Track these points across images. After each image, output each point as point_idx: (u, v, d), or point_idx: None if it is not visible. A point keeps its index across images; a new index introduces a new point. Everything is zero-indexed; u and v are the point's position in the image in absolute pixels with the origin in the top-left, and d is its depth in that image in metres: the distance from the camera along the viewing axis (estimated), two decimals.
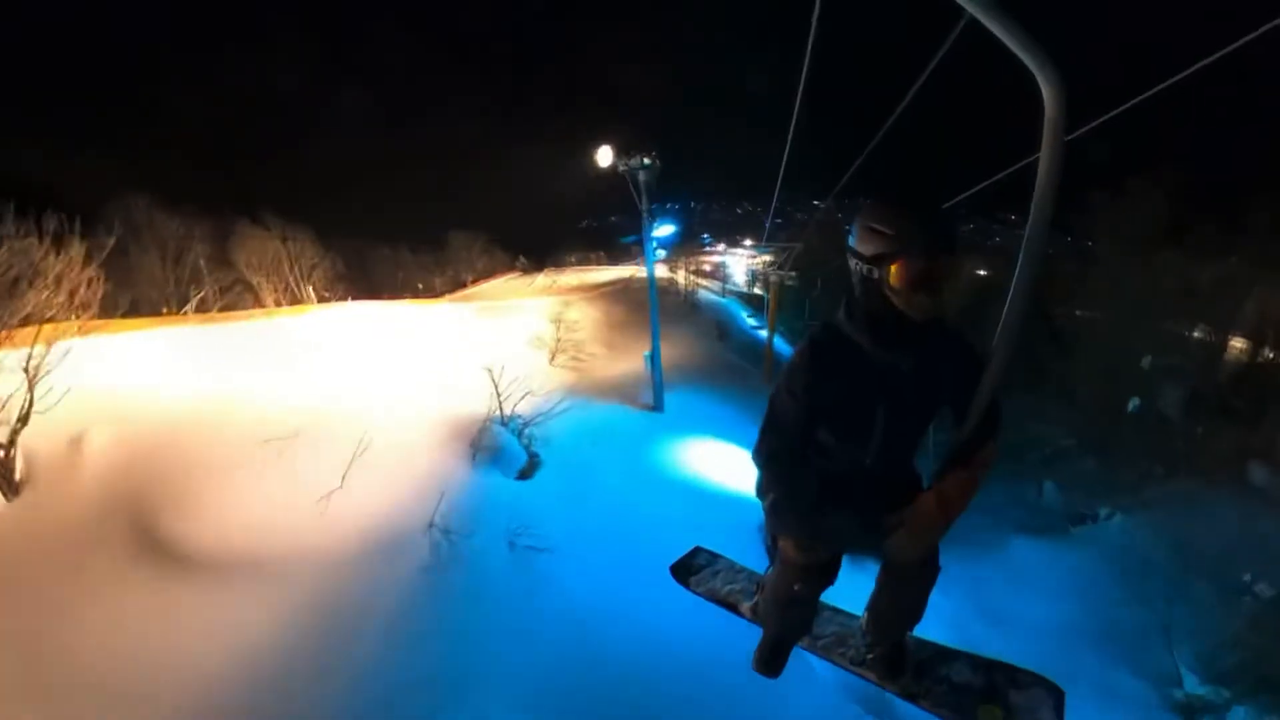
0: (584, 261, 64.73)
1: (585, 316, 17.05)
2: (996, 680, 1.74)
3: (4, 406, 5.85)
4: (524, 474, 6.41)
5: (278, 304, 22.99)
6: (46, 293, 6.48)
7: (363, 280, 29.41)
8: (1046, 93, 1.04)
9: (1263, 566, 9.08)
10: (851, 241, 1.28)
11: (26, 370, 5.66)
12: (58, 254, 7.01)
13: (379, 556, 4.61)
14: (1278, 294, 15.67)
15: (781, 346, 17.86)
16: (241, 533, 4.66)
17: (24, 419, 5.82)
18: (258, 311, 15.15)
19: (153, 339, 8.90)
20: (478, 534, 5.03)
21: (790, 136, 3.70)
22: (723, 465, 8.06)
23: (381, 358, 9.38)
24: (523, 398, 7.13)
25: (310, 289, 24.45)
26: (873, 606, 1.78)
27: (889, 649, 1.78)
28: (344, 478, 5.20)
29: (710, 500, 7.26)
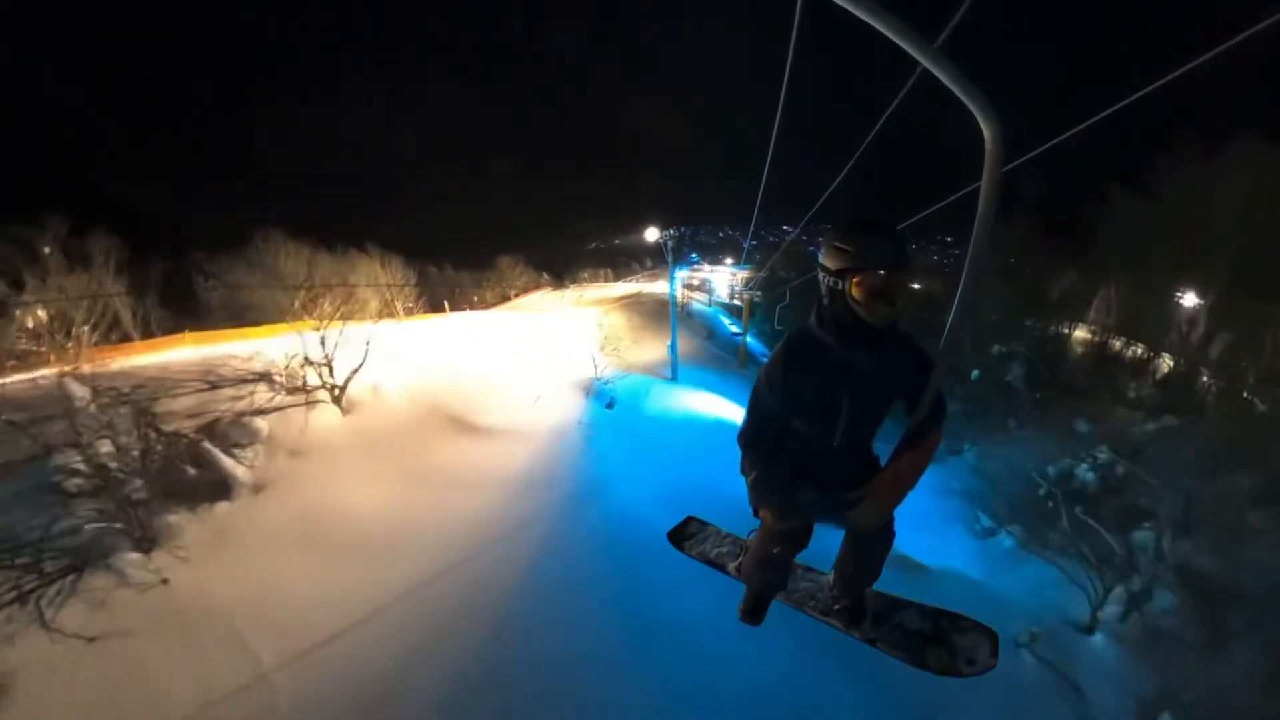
0: (594, 278, 67.64)
1: (615, 322, 20.92)
2: (942, 626, 1.75)
3: (332, 366, 9.60)
4: (609, 406, 10.26)
5: (380, 315, 26.66)
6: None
7: (427, 295, 32.90)
8: (987, 131, 1.07)
9: (1045, 466, 13.06)
10: (820, 258, 1.33)
11: (367, 343, 9.49)
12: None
13: (559, 435, 8.44)
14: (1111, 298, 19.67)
15: (752, 344, 21.73)
16: (495, 421, 8.49)
17: (356, 370, 9.61)
18: (414, 315, 18.82)
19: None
20: (598, 428, 8.90)
21: (765, 173, 3.74)
22: (711, 406, 12.00)
23: (513, 345, 13.23)
24: (605, 368, 11.04)
25: (399, 303, 28.22)
26: (838, 566, 1.81)
27: (851, 602, 1.82)
28: (535, 401, 9.04)
29: (702, 423, 11.18)
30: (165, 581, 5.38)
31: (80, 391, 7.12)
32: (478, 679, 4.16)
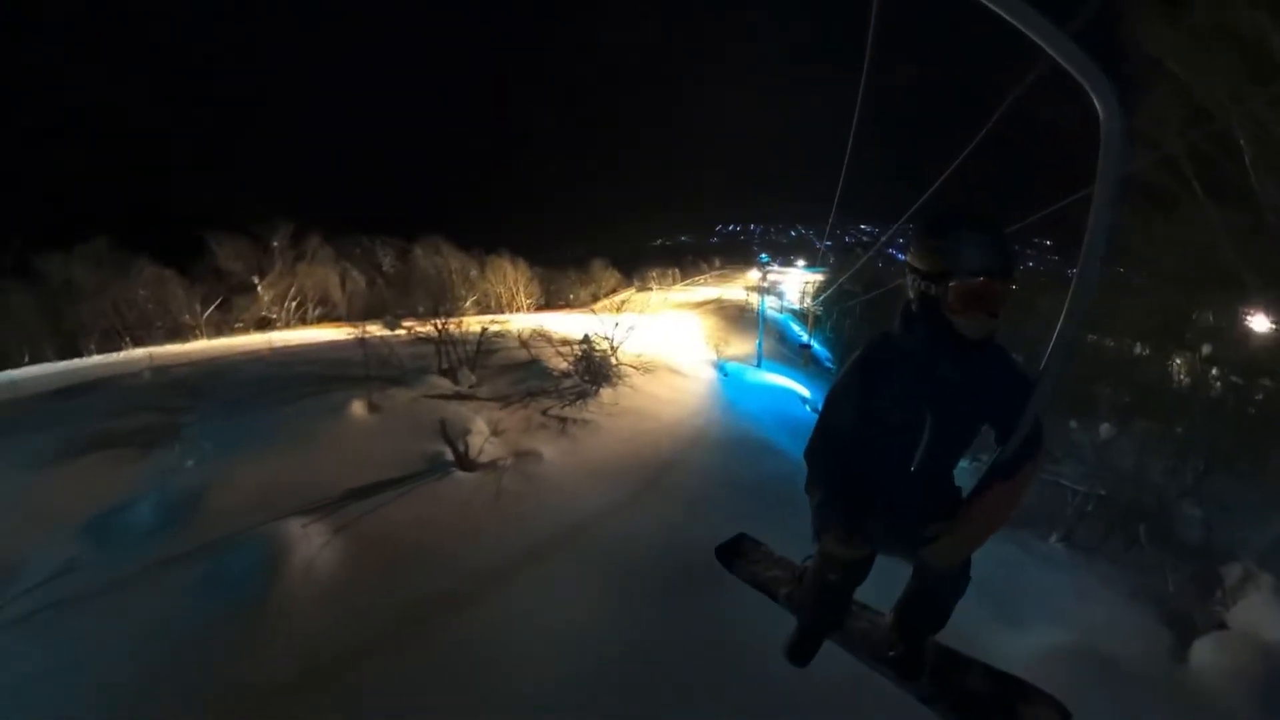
0: (662, 277, 74.28)
1: (706, 324, 29.10)
2: (1007, 691, 1.73)
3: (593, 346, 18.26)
4: (725, 375, 18.38)
5: (508, 309, 36.16)
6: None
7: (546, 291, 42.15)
8: (1105, 121, 1.01)
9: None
10: (909, 258, 1.30)
11: (631, 325, 18.00)
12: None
13: (711, 382, 16.53)
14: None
15: (818, 350, 29.17)
16: (684, 370, 16.81)
17: (614, 350, 18.13)
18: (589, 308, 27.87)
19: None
20: (726, 384, 17.01)
21: (845, 167, 3.81)
22: (783, 382, 19.92)
23: (653, 334, 21.77)
24: (720, 355, 19.20)
25: (523, 298, 37.51)
26: (899, 608, 1.77)
27: (909, 650, 1.77)
28: (696, 364, 17.42)
29: (777, 388, 19.02)
30: (616, 404, 12.45)
31: (554, 337, 15.85)
32: (727, 455, 10.47)
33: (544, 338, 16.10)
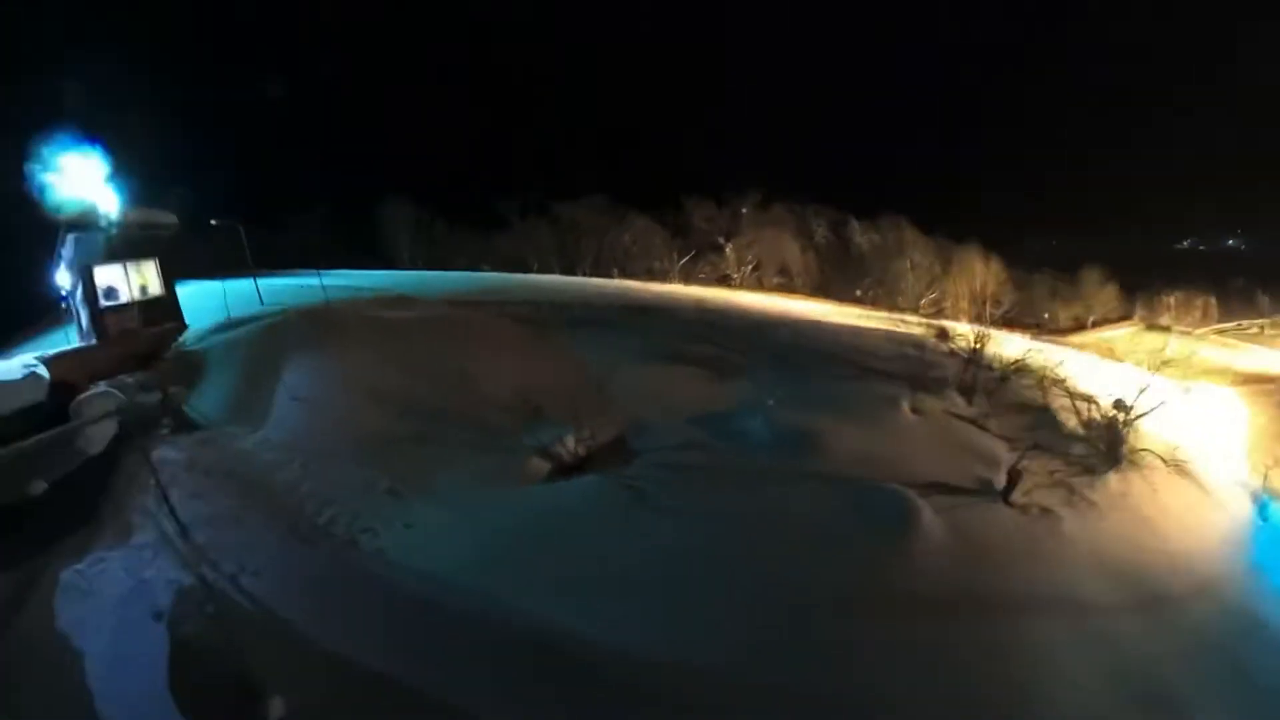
0: (1187, 309, 54.65)
1: (1253, 417, 22.72)
2: None
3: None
4: (1263, 519, 15.88)
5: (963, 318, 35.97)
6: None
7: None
8: None
9: None
10: None
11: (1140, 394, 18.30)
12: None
13: (1236, 519, 15.04)
14: None
15: None
16: (1194, 497, 15.56)
17: (1131, 425, 18.70)
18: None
19: None
20: (1263, 535, 14.91)
21: None
22: None
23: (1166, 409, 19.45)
24: (1265, 482, 16.45)
25: (988, 308, 36.21)
26: None
27: None
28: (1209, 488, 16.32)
29: None
30: (1124, 496, 12.40)
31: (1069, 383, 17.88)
32: (1238, 644, 8.84)
33: (1058, 383, 16.65)
